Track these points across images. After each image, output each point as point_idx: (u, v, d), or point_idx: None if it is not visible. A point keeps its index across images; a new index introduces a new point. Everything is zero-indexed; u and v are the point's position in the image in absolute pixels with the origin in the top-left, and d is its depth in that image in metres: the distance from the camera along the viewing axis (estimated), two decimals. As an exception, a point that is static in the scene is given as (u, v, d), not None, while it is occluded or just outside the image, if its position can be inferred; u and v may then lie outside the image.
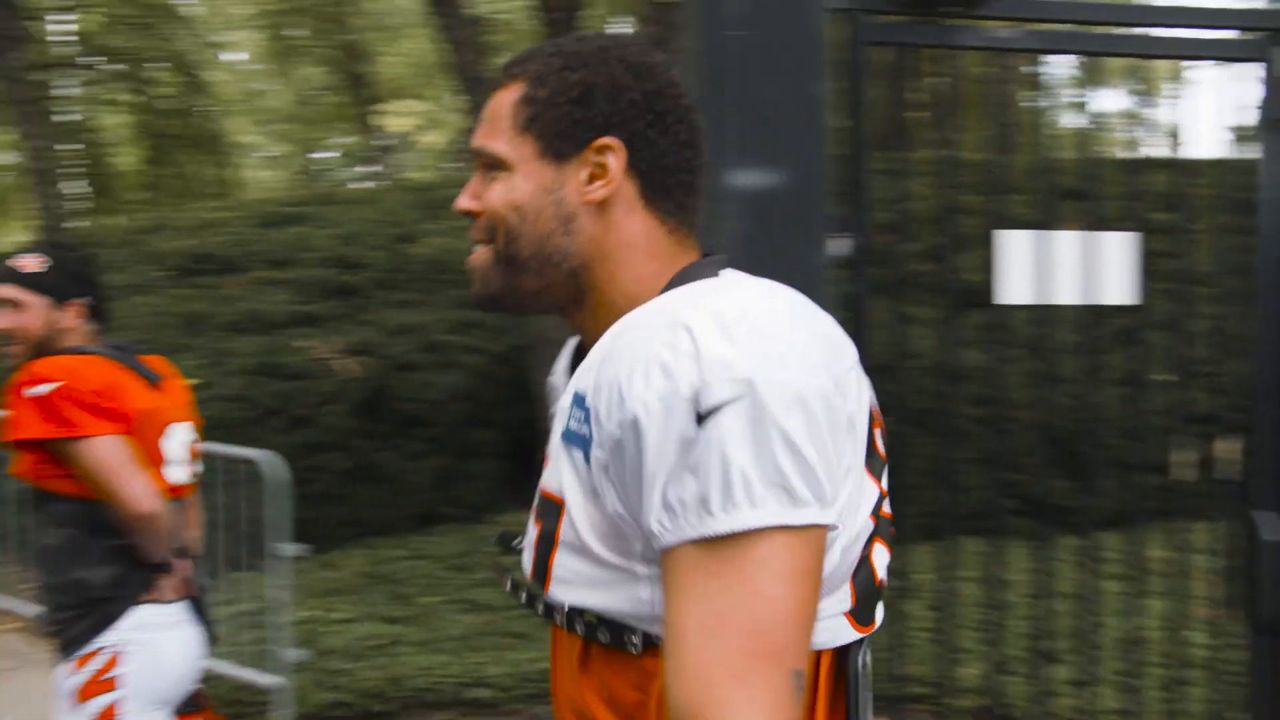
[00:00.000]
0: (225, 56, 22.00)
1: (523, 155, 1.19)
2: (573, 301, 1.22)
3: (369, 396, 6.55)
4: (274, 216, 10.29)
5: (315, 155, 28.79)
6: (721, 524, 0.99)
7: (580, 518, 1.09)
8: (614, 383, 1.04)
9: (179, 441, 2.76)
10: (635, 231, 1.19)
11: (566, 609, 1.12)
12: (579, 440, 1.08)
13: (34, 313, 2.70)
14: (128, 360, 2.74)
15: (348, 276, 8.30)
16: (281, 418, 5.96)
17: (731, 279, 1.16)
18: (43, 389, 2.52)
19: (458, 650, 4.88)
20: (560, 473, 1.10)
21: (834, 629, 1.12)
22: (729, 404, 0.99)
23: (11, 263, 2.76)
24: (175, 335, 6.88)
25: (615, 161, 1.17)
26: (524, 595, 1.17)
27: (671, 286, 1.16)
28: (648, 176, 1.19)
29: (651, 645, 1.08)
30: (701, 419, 0.99)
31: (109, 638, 2.52)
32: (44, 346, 2.69)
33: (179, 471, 2.75)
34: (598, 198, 1.18)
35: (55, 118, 16.26)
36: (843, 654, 1.16)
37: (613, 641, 1.10)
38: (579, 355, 1.27)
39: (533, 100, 1.19)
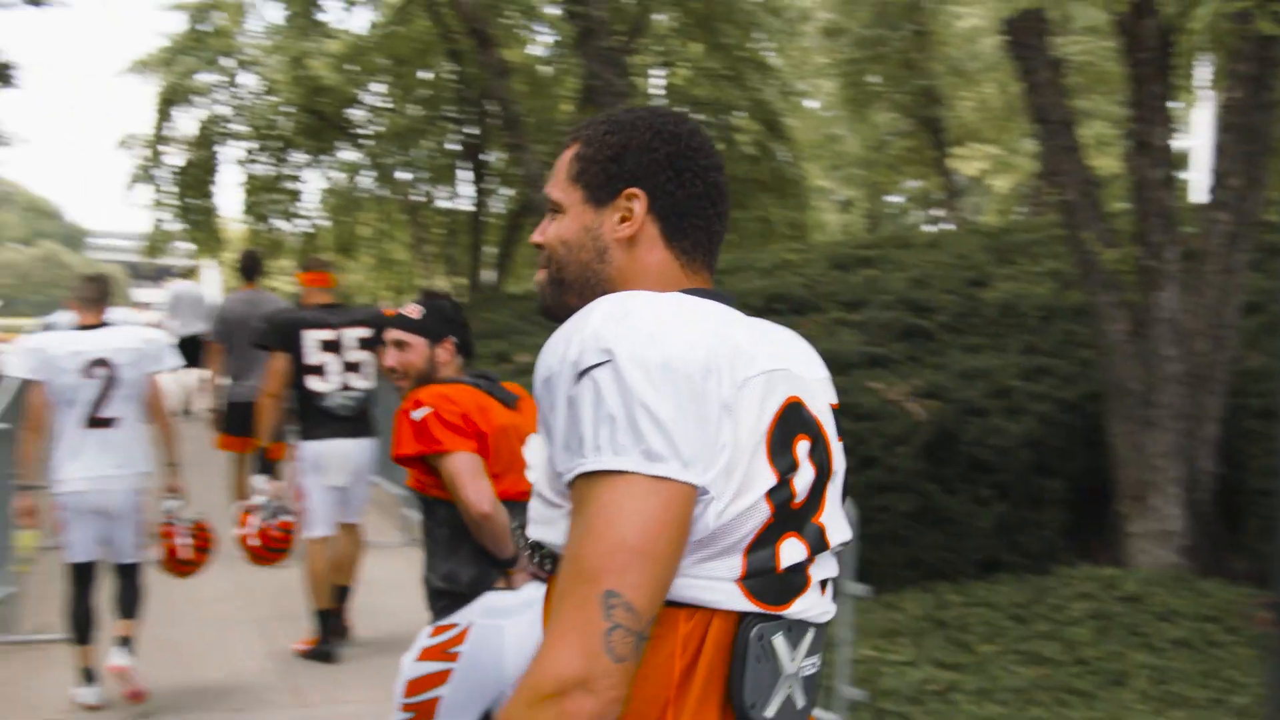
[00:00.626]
0: (805, 104, 23.05)
1: (572, 200, 1.51)
2: None
3: (936, 440, 6.62)
4: (846, 259, 10.68)
5: (887, 199, 29.39)
6: (589, 463, 1.24)
7: (538, 463, 1.37)
8: (544, 349, 1.33)
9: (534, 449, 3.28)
10: (654, 263, 1.48)
11: (531, 543, 1.39)
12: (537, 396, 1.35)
13: (415, 351, 3.44)
14: (490, 387, 3.44)
15: (918, 319, 8.46)
16: (851, 457, 6.18)
17: (676, 294, 1.39)
18: (420, 413, 3.20)
19: (1016, 703, 4.81)
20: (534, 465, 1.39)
21: (718, 590, 1.30)
22: (596, 366, 1.25)
23: (398, 311, 3.55)
24: (756, 372, 7.33)
25: (639, 207, 1.47)
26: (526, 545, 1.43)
27: None
28: (666, 220, 1.48)
29: None
30: (578, 378, 1.26)
31: (462, 617, 2.89)
32: (424, 378, 3.41)
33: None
34: (625, 235, 1.48)
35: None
36: (738, 624, 1.31)
37: (551, 570, 1.36)
38: None
39: (581, 157, 1.51)
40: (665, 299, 1.35)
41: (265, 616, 6.54)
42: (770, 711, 1.35)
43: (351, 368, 5.78)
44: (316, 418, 5.69)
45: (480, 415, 3.30)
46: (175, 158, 20.86)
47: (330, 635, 5.78)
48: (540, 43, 20.33)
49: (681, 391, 1.25)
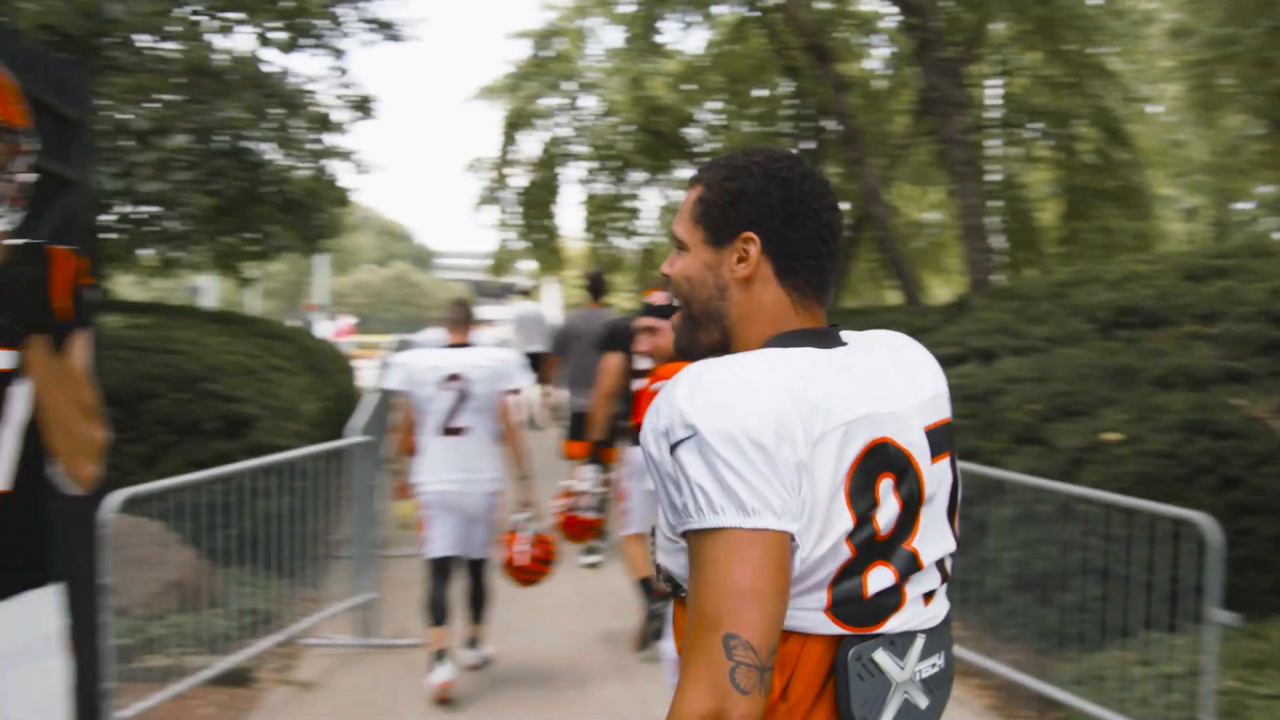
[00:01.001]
0: (1148, 109, 22.03)
1: (695, 240, 1.65)
2: (726, 349, 1.63)
3: (1305, 461, 6.32)
4: (1199, 269, 10.19)
5: (1235, 206, 27.53)
6: (694, 523, 1.40)
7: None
8: (647, 415, 1.48)
9: None
10: (768, 300, 1.61)
11: (658, 564, 1.58)
12: None
13: (664, 335, 3.81)
14: None
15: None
16: (1211, 477, 5.99)
17: (760, 352, 1.53)
18: (659, 386, 3.31)
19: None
20: None
21: (807, 618, 1.46)
22: (683, 442, 1.41)
23: (645, 299, 3.94)
24: (1102, 388, 7.06)
25: (754, 250, 1.60)
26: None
27: (763, 347, 1.57)
28: (780, 260, 1.60)
29: None
30: (672, 450, 1.42)
31: None
32: (675, 359, 3.58)
33: None
34: (742, 275, 1.61)
35: (986, 177, 17.74)
36: (836, 646, 1.47)
37: (675, 592, 1.56)
38: None
39: (703, 200, 1.64)
40: (741, 365, 1.48)
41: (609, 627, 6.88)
42: (887, 718, 1.50)
43: None
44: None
45: None
46: (519, 179, 22.06)
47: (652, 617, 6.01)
48: (876, 56, 20.41)
49: (758, 458, 1.39)
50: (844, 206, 21.04)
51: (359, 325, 53.96)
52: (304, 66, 21.21)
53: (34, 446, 2.55)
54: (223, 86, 11.28)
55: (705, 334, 1.65)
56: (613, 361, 6.14)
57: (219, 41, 13.30)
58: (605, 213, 22.24)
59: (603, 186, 22.13)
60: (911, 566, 1.52)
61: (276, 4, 11.61)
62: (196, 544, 6.16)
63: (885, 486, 1.48)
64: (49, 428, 2.58)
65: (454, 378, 5.52)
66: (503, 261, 22.56)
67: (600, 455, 6.34)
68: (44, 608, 2.66)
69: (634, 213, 22.64)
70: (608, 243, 22.60)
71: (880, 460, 1.48)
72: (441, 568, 5.61)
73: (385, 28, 18.46)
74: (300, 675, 5.85)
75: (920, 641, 1.54)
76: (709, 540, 1.40)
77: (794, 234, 1.60)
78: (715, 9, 19.45)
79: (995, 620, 5.62)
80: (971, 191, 13.95)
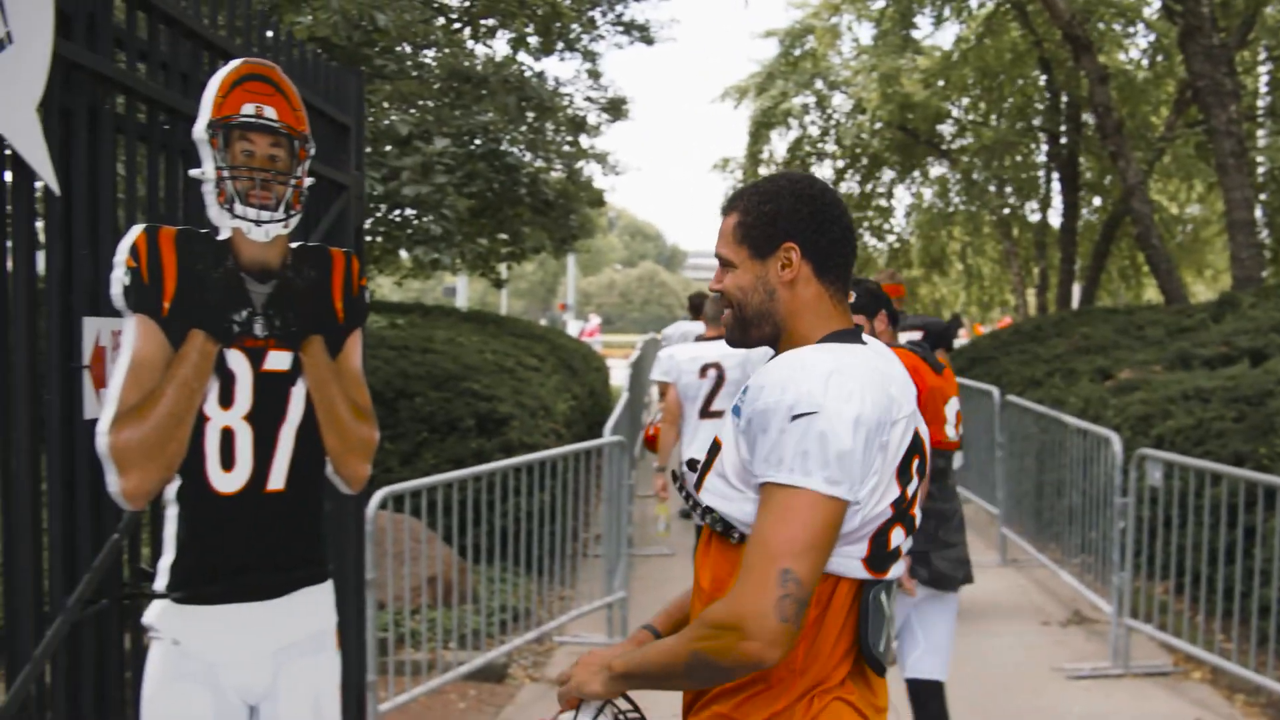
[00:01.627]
0: None
1: (741, 258, 1.97)
2: (776, 339, 1.97)
3: None
4: None
5: None
6: (784, 477, 1.74)
7: (728, 457, 1.86)
8: (763, 386, 1.79)
9: (952, 410, 4.12)
10: (810, 296, 1.94)
11: (705, 507, 1.88)
12: (736, 410, 1.85)
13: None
14: (923, 353, 4.10)
15: None
16: None
17: (844, 348, 1.87)
18: None
19: None
20: (725, 428, 1.88)
21: (847, 565, 1.82)
22: (806, 414, 1.74)
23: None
24: None
25: (795, 255, 1.92)
26: (690, 500, 1.93)
27: (822, 342, 1.91)
28: (816, 261, 1.94)
29: (744, 541, 1.81)
30: (792, 419, 1.74)
31: None
32: None
33: (951, 430, 4.11)
34: (787, 278, 1.94)
35: (1254, 169, 16.45)
36: (861, 588, 1.85)
37: (723, 533, 1.86)
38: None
39: (743, 224, 1.96)
40: (852, 362, 1.82)
41: None
42: (881, 647, 1.89)
43: None
44: None
45: (914, 375, 3.62)
46: (766, 179, 22.05)
47: None
48: (1137, 45, 19.32)
49: (860, 440, 1.75)
50: (1097, 204, 20.04)
51: (606, 325, 55.06)
52: (558, 70, 21.71)
53: (309, 446, 2.58)
54: (480, 91, 11.61)
55: (757, 330, 1.98)
56: None
57: (477, 48, 13.73)
58: (856, 212, 21.90)
59: (852, 185, 21.78)
60: (912, 527, 1.93)
61: (532, 10, 11.85)
62: (451, 541, 6.29)
63: (916, 465, 1.90)
64: (324, 428, 2.61)
65: (712, 366, 5.98)
66: (745, 261, 22.51)
67: None
68: (320, 603, 2.70)
69: (884, 211, 22.20)
70: (858, 242, 22.30)
71: (915, 445, 1.89)
72: None
73: (638, 30, 18.69)
74: (552, 672, 5.89)
75: (894, 589, 1.94)
76: (794, 494, 1.75)
77: (824, 239, 1.94)
78: (971, 1, 18.80)
79: (1266, 634, 5.22)
80: (1239, 184, 13.17)
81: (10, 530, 2.22)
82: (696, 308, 10.35)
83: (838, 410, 1.74)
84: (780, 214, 1.94)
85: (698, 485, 1.92)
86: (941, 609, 4.04)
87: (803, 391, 1.76)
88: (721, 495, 1.87)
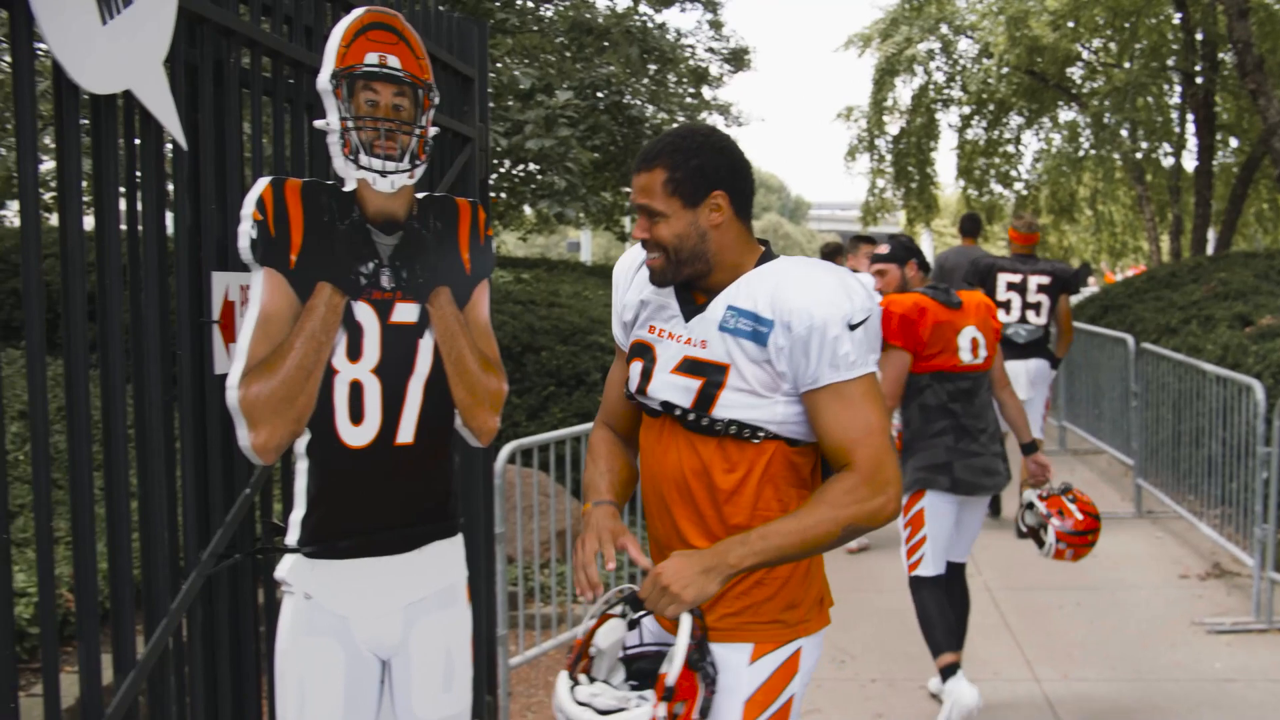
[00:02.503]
0: None
1: (673, 208, 2.19)
2: (707, 273, 2.22)
3: None
4: None
5: None
6: (856, 372, 2.13)
7: (747, 373, 2.16)
8: (803, 307, 2.11)
9: (966, 338, 4.59)
10: (734, 235, 2.23)
11: (726, 421, 2.18)
12: (749, 334, 2.16)
13: (891, 275, 4.75)
14: (936, 294, 4.62)
15: None
16: None
17: (805, 260, 2.26)
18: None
19: None
20: (724, 349, 2.18)
21: None
22: (863, 322, 2.14)
23: (874, 250, 5.21)
24: None
25: (724, 202, 2.20)
26: (680, 413, 2.23)
27: (764, 260, 2.26)
28: (735, 205, 2.23)
29: (770, 437, 2.19)
30: (852, 328, 2.11)
31: None
32: (901, 291, 4.71)
33: (967, 355, 4.60)
34: (717, 222, 2.21)
35: None
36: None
37: (740, 435, 2.18)
38: (684, 289, 2.29)
39: (673, 179, 2.19)
40: (826, 266, 2.22)
41: (994, 585, 6.50)
42: None
43: (1030, 306, 7.62)
44: (1001, 344, 6.22)
45: (920, 311, 4.53)
46: (892, 127, 21.57)
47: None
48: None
49: (878, 326, 2.20)
50: (1234, 146, 19.07)
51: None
52: (680, 21, 21.55)
53: (437, 399, 2.55)
54: (602, 44, 11.52)
55: (689, 269, 2.22)
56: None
57: (598, 1, 13.62)
58: (982, 159, 21.28)
59: (979, 132, 21.16)
60: None
61: (653, -41, 11.69)
62: (578, 494, 6.30)
63: None
64: (452, 380, 2.58)
65: None
66: (875, 211, 22.10)
67: None
68: (451, 558, 2.68)
69: (1011, 158, 21.53)
70: (984, 189, 21.62)
71: None
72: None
73: (758, -22, 18.29)
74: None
75: None
76: (867, 380, 2.15)
77: (742, 185, 2.24)
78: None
79: None
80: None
81: (145, 486, 2.23)
82: (830, 256, 10.02)
83: (867, 305, 2.15)
84: (706, 167, 2.19)
85: (705, 405, 2.19)
86: (966, 510, 4.68)
87: (856, 305, 2.13)
88: (746, 406, 2.16)
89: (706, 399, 2.16)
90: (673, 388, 2.21)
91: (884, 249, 4.90)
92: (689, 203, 2.18)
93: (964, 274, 7.78)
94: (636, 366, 2.30)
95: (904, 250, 4.78)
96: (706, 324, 2.20)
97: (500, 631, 4.49)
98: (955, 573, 4.76)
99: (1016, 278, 7.59)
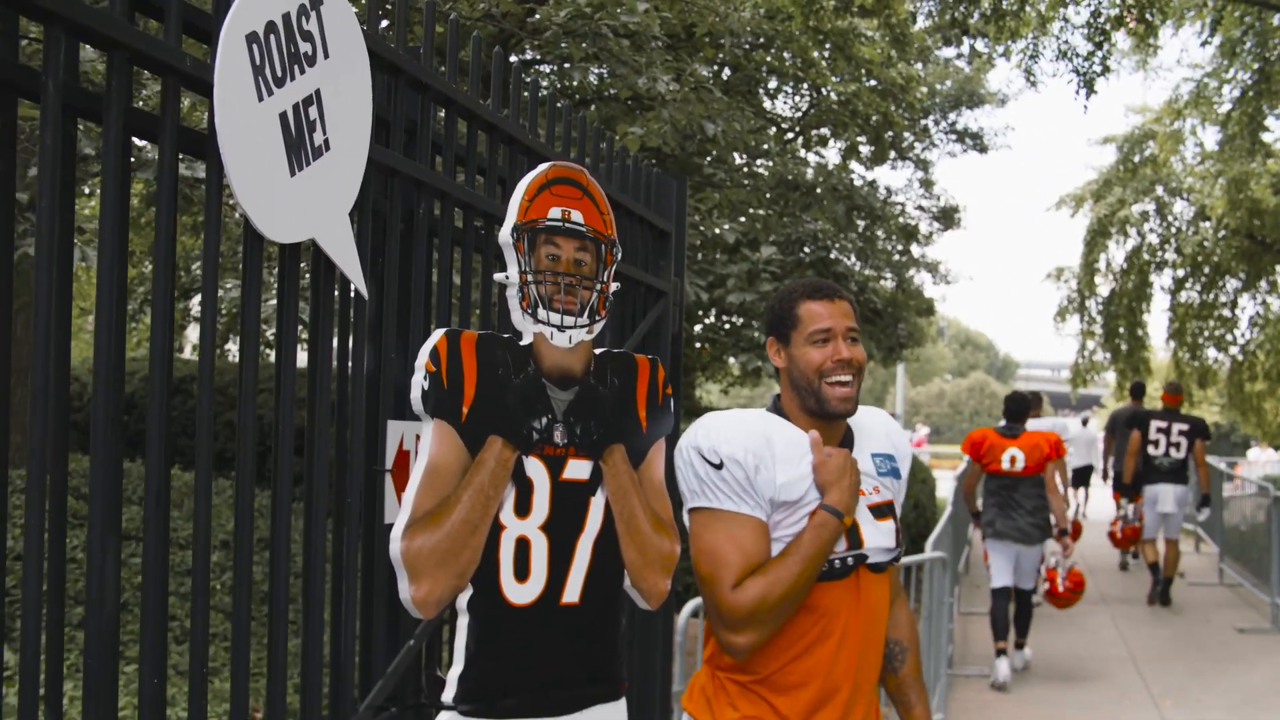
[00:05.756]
0: None
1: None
2: None
3: None
4: None
5: None
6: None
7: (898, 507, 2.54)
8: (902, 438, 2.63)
9: (1008, 456, 7.80)
10: None
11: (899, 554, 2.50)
12: (895, 473, 2.53)
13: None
14: (1001, 430, 7.87)
15: None
16: None
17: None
18: None
19: None
20: (892, 491, 2.51)
21: None
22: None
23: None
24: None
25: None
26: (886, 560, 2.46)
27: None
28: None
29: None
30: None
31: None
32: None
33: (1006, 464, 7.74)
34: None
35: None
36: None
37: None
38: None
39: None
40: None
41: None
42: None
43: (1174, 445, 10.43)
44: (1151, 472, 10.49)
45: (979, 437, 7.94)
46: (1103, 288, 20.97)
47: (1157, 585, 10.74)
48: None
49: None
50: None
51: (934, 435, 53.54)
52: (890, 178, 21.65)
53: (607, 559, 2.46)
54: (810, 200, 11.57)
55: None
56: (1136, 436, 10.63)
57: (808, 157, 13.76)
58: (1195, 321, 20.35)
59: (1192, 295, 20.31)
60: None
61: (865, 119, 11.77)
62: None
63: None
64: (623, 540, 2.49)
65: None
66: (1084, 372, 21.31)
67: (1130, 495, 10.80)
68: (613, 722, 2.55)
69: (1227, 321, 20.50)
70: (1198, 353, 20.62)
71: None
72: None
73: (972, 138, 18.25)
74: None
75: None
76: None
77: None
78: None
79: None
80: None
81: (307, 632, 2.21)
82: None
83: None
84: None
85: (900, 542, 2.46)
86: (1021, 556, 7.81)
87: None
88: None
89: (897, 535, 2.42)
90: (882, 534, 2.40)
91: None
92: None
93: (1124, 421, 11.38)
94: None
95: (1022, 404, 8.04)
96: (874, 468, 2.50)
97: (673, 801, 4.29)
98: (1021, 594, 7.98)
99: (1163, 424, 10.52)
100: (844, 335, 2.39)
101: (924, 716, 2.68)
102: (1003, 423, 7.92)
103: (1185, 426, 10.43)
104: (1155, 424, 10.49)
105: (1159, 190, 19.61)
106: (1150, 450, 10.43)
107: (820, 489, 2.35)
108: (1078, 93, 11.06)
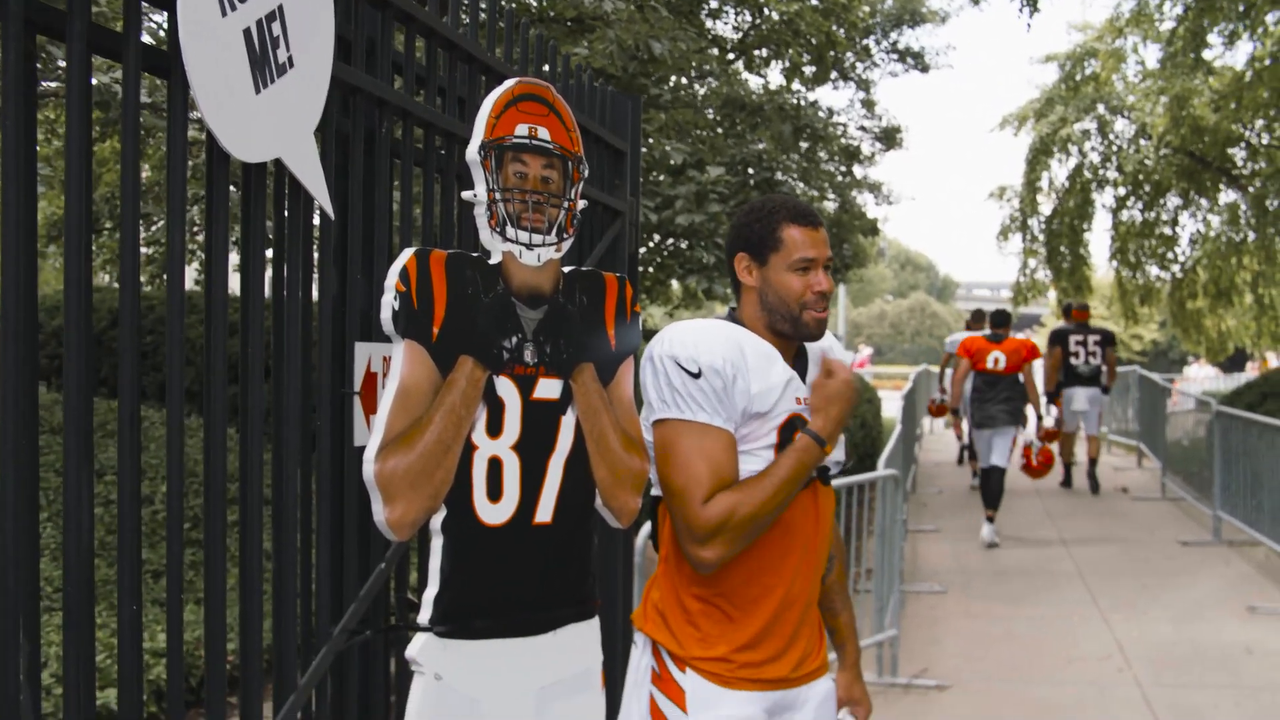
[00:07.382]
0: None
1: None
2: None
3: None
4: None
5: None
6: None
7: None
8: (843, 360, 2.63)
9: (993, 357, 10.04)
10: None
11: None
12: None
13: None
14: (988, 336, 10.22)
15: None
16: None
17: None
18: None
19: None
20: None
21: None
22: None
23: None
24: None
25: None
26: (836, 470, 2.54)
27: None
28: None
29: None
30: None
31: None
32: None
33: (990, 364, 10.04)
34: None
35: None
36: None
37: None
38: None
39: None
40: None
41: (1145, 681, 6.15)
42: None
43: (1091, 354, 12.24)
44: (1073, 379, 12.30)
45: (971, 342, 10.23)
46: (1045, 207, 21.16)
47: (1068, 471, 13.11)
48: None
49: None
50: None
51: (876, 356, 54.04)
52: (832, 99, 21.56)
53: (578, 478, 2.47)
54: (754, 120, 11.52)
55: None
56: (1057, 352, 12.34)
57: (750, 79, 13.66)
58: (1136, 240, 20.63)
59: (1134, 213, 20.57)
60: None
61: (806, 39, 11.69)
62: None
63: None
64: (594, 458, 2.50)
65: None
66: (1026, 292, 21.55)
67: (1052, 400, 12.31)
68: (587, 641, 2.58)
69: (1168, 240, 20.82)
70: (1139, 271, 20.92)
71: None
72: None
73: (913, 57, 18.20)
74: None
75: None
76: None
77: None
78: (1269, 16, 17.35)
79: None
80: None
81: (279, 558, 2.20)
82: (982, 319, 13.14)
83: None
84: None
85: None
86: (995, 437, 9.87)
87: None
88: None
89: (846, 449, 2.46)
90: (839, 446, 2.50)
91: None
92: None
93: (1051, 336, 12.72)
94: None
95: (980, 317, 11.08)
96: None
97: None
98: (996, 470, 9.83)
99: (1080, 336, 12.34)
100: (824, 265, 2.43)
101: (850, 623, 2.75)
102: (988, 330, 10.32)
103: (1098, 337, 12.41)
104: (1073, 338, 12.31)
105: (1101, 109, 19.70)
106: (1072, 360, 12.25)
107: (811, 409, 2.39)
108: (1021, 10, 11.04)
